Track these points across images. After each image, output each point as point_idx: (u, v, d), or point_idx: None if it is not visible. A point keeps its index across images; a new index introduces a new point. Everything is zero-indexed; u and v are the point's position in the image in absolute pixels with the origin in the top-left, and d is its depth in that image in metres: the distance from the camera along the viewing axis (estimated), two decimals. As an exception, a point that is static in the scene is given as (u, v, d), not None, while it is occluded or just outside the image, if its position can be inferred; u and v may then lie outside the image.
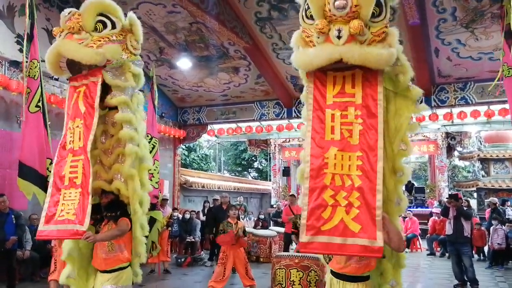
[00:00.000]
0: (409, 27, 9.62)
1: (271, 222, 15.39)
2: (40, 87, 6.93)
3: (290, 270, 6.45)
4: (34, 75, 6.88)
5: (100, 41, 3.93)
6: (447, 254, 12.23)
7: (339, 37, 2.74)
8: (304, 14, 3.01)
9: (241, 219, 9.21)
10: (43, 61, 7.71)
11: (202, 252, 12.65)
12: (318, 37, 2.85)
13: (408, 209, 16.28)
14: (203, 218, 13.50)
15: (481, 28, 10.10)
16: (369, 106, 3.01)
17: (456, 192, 9.96)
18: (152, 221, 9.18)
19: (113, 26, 4.02)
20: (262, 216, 15.74)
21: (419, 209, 17.80)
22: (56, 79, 9.93)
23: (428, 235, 13.90)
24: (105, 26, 3.97)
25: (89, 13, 3.91)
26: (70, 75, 4.23)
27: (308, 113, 3.14)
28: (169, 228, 10.08)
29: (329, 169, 3.02)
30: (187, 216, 12.79)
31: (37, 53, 6.98)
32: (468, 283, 8.20)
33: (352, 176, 2.97)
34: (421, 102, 12.77)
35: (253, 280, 7.64)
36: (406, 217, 14.86)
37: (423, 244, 14.46)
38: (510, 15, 5.34)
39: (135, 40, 4.19)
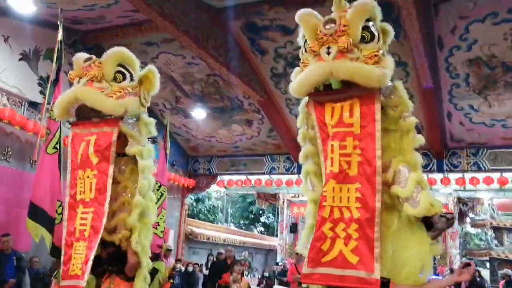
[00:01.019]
0: (422, 90, 9.72)
1: (276, 280, 14.96)
2: (59, 129, 7.01)
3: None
4: (56, 117, 6.99)
5: (120, 92, 3.90)
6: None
7: (328, 53, 2.90)
8: (303, 49, 3.17)
9: (245, 276, 8.97)
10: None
11: (203, 306, 12.28)
12: (313, 58, 3.02)
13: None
14: (206, 271, 13.19)
15: (494, 95, 10.17)
16: (368, 136, 3.03)
17: (469, 261, 9.62)
18: (154, 272, 8.97)
19: (131, 78, 4.02)
20: (266, 274, 15.36)
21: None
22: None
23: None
24: (124, 77, 3.96)
25: (111, 63, 3.91)
26: (72, 119, 4.16)
27: (318, 143, 3.19)
28: (171, 281, 9.82)
29: (328, 202, 3.05)
30: (190, 268, 12.53)
31: None
32: None
33: (351, 208, 2.99)
34: (433, 165, 12.74)
35: None
36: (416, 284, 14.38)
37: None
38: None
39: (147, 92, 4.19)
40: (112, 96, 3.85)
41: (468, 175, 12.95)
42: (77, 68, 3.96)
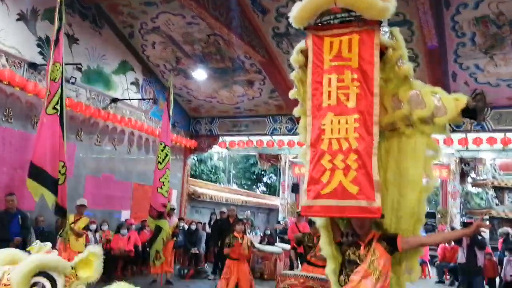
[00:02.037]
0: (427, 50, 9.55)
1: (277, 238, 15.23)
2: (60, 89, 6.96)
3: (295, 290, 6.32)
4: (55, 78, 6.92)
5: None
6: (456, 283, 11.94)
7: None
8: None
9: (247, 234, 9.10)
10: (66, 64, 7.81)
11: (206, 264, 12.53)
12: None
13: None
14: (209, 230, 13.40)
15: (500, 55, 9.99)
16: (366, 70, 3.03)
17: (471, 220, 9.73)
18: (157, 230, 9.15)
19: None
20: (268, 232, 15.57)
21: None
22: (73, 83, 10.00)
23: (438, 262, 13.60)
24: None
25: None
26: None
27: (308, 78, 3.23)
28: (175, 238, 10.00)
29: (326, 135, 3.08)
30: (193, 227, 12.71)
31: (61, 56, 7.03)
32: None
33: (349, 139, 3.01)
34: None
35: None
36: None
37: (431, 271, 14.16)
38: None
39: None
40: None
41: (471, 135, 12.92)
42: None
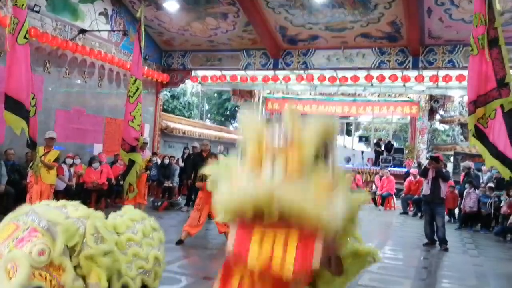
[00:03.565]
0: (404, -16, 9.41)
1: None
2: (26, 18, 6.62)
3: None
4: (22, 5, 6.56)
5: None
6: (419, 214, 12.57)
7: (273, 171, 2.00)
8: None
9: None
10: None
11: (179, 197, 12.76)
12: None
13: (386, 168, 16.57)
14: (181, 164, 13.51)
15: (476, -10, 9.93)
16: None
17: (437, 154, 10.09)
18: (130, 163, 9.17)
19: None
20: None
21: (396, 169, 18.10)
22: (37, 11, 9.52)
23: (403, 194, 14.22)
24: None
25: None
26: None
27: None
28: (148, 172, 10.07)
29: None
30: (166, 161, 12.78)
31: None
32: (438, 242, 8.47)
33: None
34: (409, 62, 12.79)
35: (229, 227, 7.76)
36: (383, 176, 15.15)
37: (397, 203, 14.83)
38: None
39: None
40: None
41: (442, 72, 13.12)
42: None
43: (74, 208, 3.42)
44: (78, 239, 3.22)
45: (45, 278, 2.95)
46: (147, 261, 3.94)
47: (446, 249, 8.22)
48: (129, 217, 4.19)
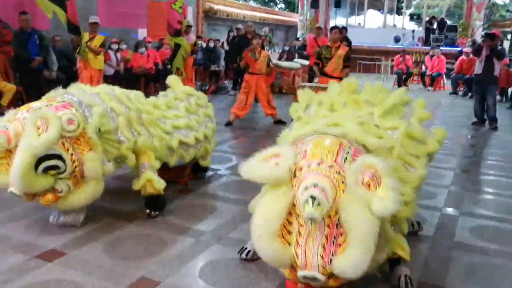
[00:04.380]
0: None
1: (296, 54, 15.22)
2: None
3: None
4: None
5: None
6: (469, 94, 12.19)
7: None
8: None
9: (265, 50, 9.10)
10: None
11: (226, 81, 12.86)
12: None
13: (438, 47, 15.76)
14: (227, 47, 13.38)
15: None
16: None
17: (494, 31, 9.38)
18: (176, 47, 9.17)
19: None
20: (287, 48, 15.47)
21: (448, 48, 17.22)
22: None
23: (454, 74, 13.68)
24: None
25: None
26: None
27: None
28: (194, 55, 10.09)
29: None
30: (212, 44, 12.68)
31: None
32: (487, 121, 8.30)
33: None
34: None
35: (275, 109, 7.88)
36: (434, 55, 14.48)
37: (447, 83, 14.35)
38: None
39: None
40: None
41: None
42: None
43: (109, 98, 3.54)
44: (110, 127, 3.36)
45: (67, 150, 3.13)
46: (194, 136, 4.12)
47: (495, 128, 8.08)
48: (174, 95, 4.33)
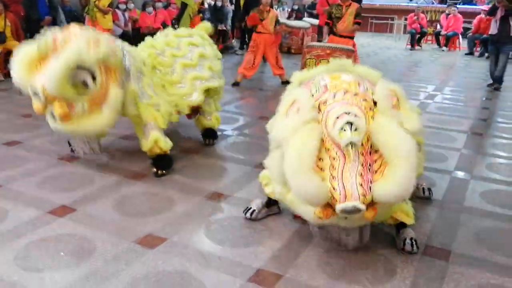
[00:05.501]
0: None
1: (306, 13, 14.89)
2: None
3: (321, 60, 6.41)
4: None
5: None
6: (486, 55, 11.89)
7: None
8: None
9: (274, 9, 8.90)
10: None
11: (234, 40, 12.66)
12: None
13: (454, 5, 15.24)
14: (233, 7, 13.10)
15: None
16: None
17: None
18: (183, 6, 9.01)
19: None
20: (296, 7, 15.13)
21: (465, 6, 16.65)
22: None
23: (470, 34, 13.29)
24: None
25: None
26: None
27: None
28: (201, 15, 9.91)
29: None
30: (219, 3, 12.41)
31: None
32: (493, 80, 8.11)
33: None
34: None
35: (283, 69, 7.77)
36: (450, 14, 14.05)
37: (463, 43, 13.98)
38: None
39: None
40: None
41: None
42: None
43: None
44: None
45: (101, 73, 3.22)
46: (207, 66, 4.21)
47: (497, 88, 7.91)
48: (174, 34, 4.33)
